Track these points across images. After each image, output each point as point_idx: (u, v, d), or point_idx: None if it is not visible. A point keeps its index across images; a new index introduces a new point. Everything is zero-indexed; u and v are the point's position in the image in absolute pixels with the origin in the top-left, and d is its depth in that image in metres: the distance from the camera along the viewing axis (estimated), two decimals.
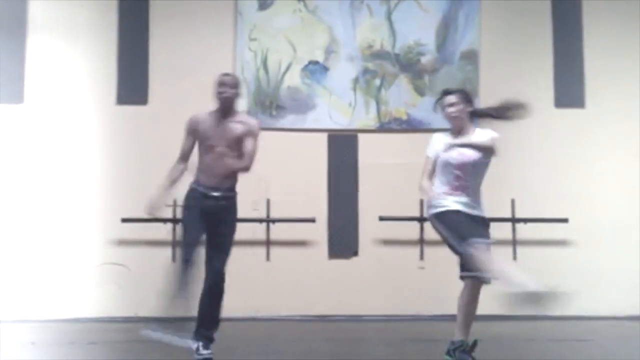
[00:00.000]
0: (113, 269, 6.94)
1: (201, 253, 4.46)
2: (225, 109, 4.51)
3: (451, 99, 4.44)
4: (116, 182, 7.03)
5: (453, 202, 4.25)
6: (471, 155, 4.29)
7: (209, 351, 4.42)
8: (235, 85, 4.55)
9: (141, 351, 4.98)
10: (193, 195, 4.50)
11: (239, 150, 4.46)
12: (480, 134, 4.40)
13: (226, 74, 4.65)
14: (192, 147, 4.60)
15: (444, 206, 4.26)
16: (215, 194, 4.44)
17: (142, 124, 7.15)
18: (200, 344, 4.40)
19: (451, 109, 4.41)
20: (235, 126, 4.49)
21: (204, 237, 4.46)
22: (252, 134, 4.49)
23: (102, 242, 6.98)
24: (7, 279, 6.86)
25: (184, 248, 4.44)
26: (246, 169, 4.52)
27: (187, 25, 7.32)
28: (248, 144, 4.47)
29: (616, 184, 7.26)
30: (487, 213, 6.96)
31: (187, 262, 4.37)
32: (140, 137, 7.12)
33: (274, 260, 7.09)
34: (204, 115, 4.57)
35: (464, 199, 4.27)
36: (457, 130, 4.42)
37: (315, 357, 4.91)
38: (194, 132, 4.56)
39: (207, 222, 4.43)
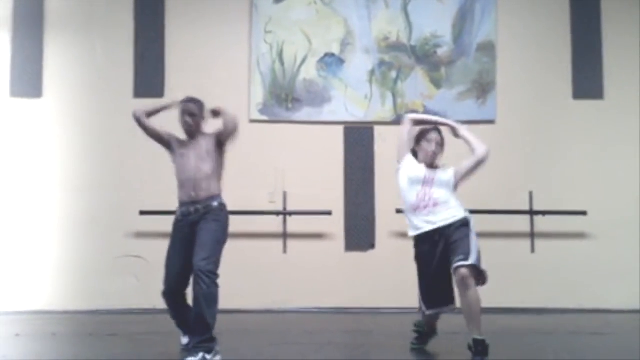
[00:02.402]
0: (131, 262, 6.99)
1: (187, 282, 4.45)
2: (191, 136, 4.59)
3: (437, 138, 4.62)
4: (134, 175, 7.08)
5: (424, 223, 4.46)
6: (436, 176, 4.52)
7: (212, 356, 4.20)
8: (196, 112, 4.58)
9: (160, 343, 5.03)
10: (176, 220, 4.55)
11: (210, 161, 4.48)
12: (446, 170, 4.59)
13: (188, 100, 4.64)
14: (159, 134, 4.68)
15: (417, 229, 4.50)
16: (196, 207, 4.42)
17: (159, 117, 7.12)
18: (205, 355, 4.15)
19: (435, 151, 4.59)
20: (206, 142, 4.53)
21: (189, 270, 4.32)
22: (220, 127, 4.50)
23: (120, 235, 7.03)
24: (27, 272, 6.95)
25: (164, 291, 4.50)
26: (234, 120, 4.50)
27: (203, 18, 7.34)
28: (226, 117, 4.48)
29: (635, 176, 7.19)
30: (505, 205, 7.04)
31: (167, 295, 4.49)
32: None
33: (291, 253, 7.10)
34: (177, 138, 4.66)
35: (433, 217, 4.45)
36: (428, 165, 4.59)
37: (332, 349, 4.93)
38: (168, 139, 4.65)
39: (188, 241, 4.37)
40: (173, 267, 4.46)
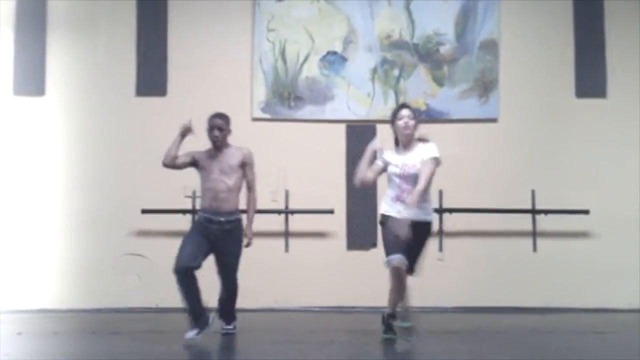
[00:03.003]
0: (133, 260, 7.00)
1: (197, 265, 4.89)
2: (218, 148, 5.08)
3: (407, 112, 4.84)
4: (136, 174, 7.08)
5: (395, 211, 4.72)
6: (411, 168, 4.72)
7: (231, 327, 5.15)
8: (224, 126, 5.07)
9: (162, 341, 5.04)
10: (199, 220, 5.10)
11: (233, 176, 5.00)
12: (422, 148, 4.78)
13: (216, 116, 5.10)
14: (188, 163, 5.16)
15: (387, 212, 4.80)
16: (219, 218, 4.95)
17: (162, 115, 7.18)
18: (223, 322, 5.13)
19: (407, 124, 4.79)
20: (230, 156, 5.05)
21: (204, 256, 4.93)
22: (248, 164, 5.08)
23: (122, 234, 7.04)
24: (29, 270, 6.95)
25: (176, 269, 4.84)
26: (255, 198, 5.18)
27: (205, 16, 7.33)
28: (249, 175, 5.10)
29: (638, 175, 7.17)
30: (507, 204, 7.03)
31: (180, 282, 4.82)
32: (159, 128, 7.11)
33: (293, 252, 7.10)
34: (202, 152, 5.15)
35: (401, 207, 4.69)
36: (402, 144, 4.84)
37: (334, 347, 4.92)
38: (196, 160, 5.12)
39: (210, 244, 4.94)
40: (189, 246, 4.88)
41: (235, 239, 5.03)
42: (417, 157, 4.76)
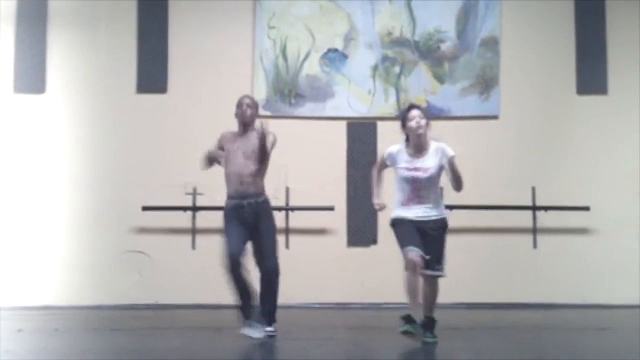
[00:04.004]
0: (134, 257, 7.01)
1: (246, 258, 4.78)
2: (245, 127, 4.93)
3: (417, 112, 4.67)
4: (136, 170, 7.08)
5: (406, 213, 4.66)
6: (426, 171, 4.62)
7: (272, 328, 4.84)
8: (254, 105, 5.00)
9: (162, 338, 5.04)
10: (228, 208, 4.88)
11: (256, 159, 4.81)
12: (435, 147, 4.66)
13: (245, 96, 5.04)
14: (222, 154, 4.95)
15: (398, 216, 4.70)
16: (247, 201, 4.80)
17: (162, 113, 7.19)
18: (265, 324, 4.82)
19: (419, 123, 4.62)
20: (252, 139, 4.84)
21: (247, 243, 4.80)
22: (265, 135, 4.80)
23: (123, 231, 7.04)
24: (30, 267, 6.96)
25: (227, 259, 4.72)
26: (273, 141, 4.91)
27: (206, 13, 7.33)
28: (270, 140, 4.86)
29: (638, 172, 7.16)
30: (508, 200, 7.03)
31: (232, 271, 4.70)
32: (160, 126, 7.16)
33: (293, 249, 7.10)
34: (226, 134, 4.98)
35: (416, 209, 4.65)
36: (416, 145, 4.66)
37: (334, 344, 4.93)
38: (223, 147, 4.94)
39: (248, 229, 4.79)
40: (233, 236, 4.76)
41: (269, 217, 4.90)
42: (432, 160, 4.64)
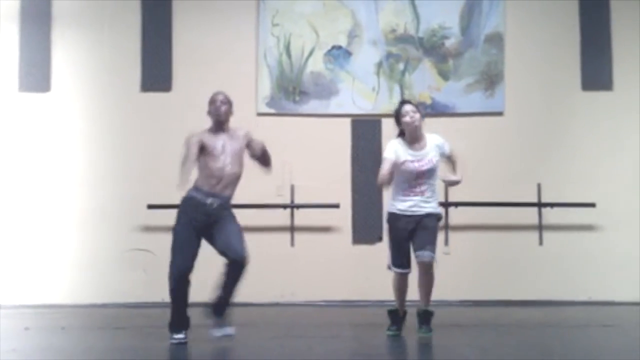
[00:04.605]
0: (140, 255, 7.02)
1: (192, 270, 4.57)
2: (221, 125, 4.70)
3: (410, 107, 4.84)
4: (141, 169, 7.09)
5: (404, 206, 4.81)
6: (426, 164, 4.77)
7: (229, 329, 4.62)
8: (229, 101, 4.75)
9: (168, 336, 5.04)
10: (187, 205, 4.65)
11: (238, 163, 4.67)
12: (431, 140, 4.85)
13: (218, 92, 4.78)
14: (198, 151, 4.63)
15: (393, 211, 4.85)
16: (213, 201, 4.57)
17: (167, 111, 7.19)
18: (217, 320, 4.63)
19: (413, 117, 4.78)
20: (235, 140, 4.68)
21: (195, 254, 4.59)
22: (249, 139, 4.71)
23: (128, 229, 7.05)
24: (35, 266, 6.98)
25: (176, 277, 4.53)
26: (268, 158, 4.80)
27: (210, 11, 7.33)
28: (256, 142, 4.70)
29: None
30: (513, 197, 7.02)
31: (179, 290, 4.55)
32: (164, 124, 7.16)
33: (298, 246, 7.11)
34: (204, 132, 4.70)
35: (413, 200, 4.80)
36: (412, 138, 4.82)
37: (340, 342, 4.93)
38: (202, 146, 4.62)
39: (199, 236, 4.58)
40: (185, 248, 4.56)
41: (231, 215, 4.67)
42: (432, 153, 4.81)
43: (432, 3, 7.32)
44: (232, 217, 4.70)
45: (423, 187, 4.79)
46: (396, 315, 4.95)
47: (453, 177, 4.85)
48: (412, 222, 4.79)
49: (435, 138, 4.89)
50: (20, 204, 7.05)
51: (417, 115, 4.82)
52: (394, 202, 4.87)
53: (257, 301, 6.70)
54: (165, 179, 6.89)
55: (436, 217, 4.87)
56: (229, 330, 4.61)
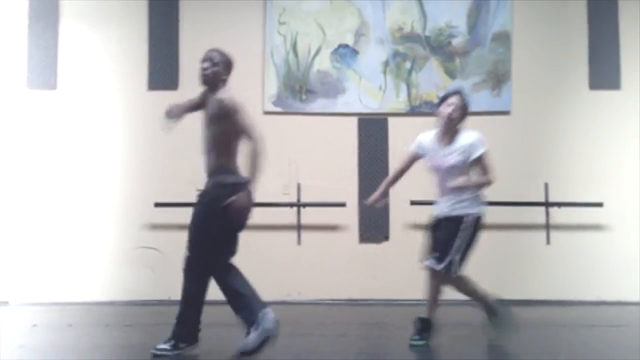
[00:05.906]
0: (147, 253, 7.04)
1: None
2: (206, 86, 4.19)
3: (456, 100, 4.59)
4: (148, 167, 7.11)
5: (435, 210, 4.67)
6: (447, 161, 4.51)
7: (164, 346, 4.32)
8: (217, 59, 4.18)
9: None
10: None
11: (211, 129, 4.07)
12: (466, 137, 4.57)
13: (212, 49, 4.26)
14: (194, 105, 4.34)
15: (432, 214, 4.72)
16: (205, 185, 4.18)
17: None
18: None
19: (447, 110, 4.55)
20: (210, 106, 4.10)
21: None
22: (232, 114, 4.02)
23: (135, 227, 7.07)
24: (43, 263, 7.00)
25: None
26: (257, 150, 4.07)
27: (217, 10, 7.34)
28: (239, 123, 4.04)
29: None
30: (521, 197, 6.99)
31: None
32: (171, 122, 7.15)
33: (305, 245, 7.11)
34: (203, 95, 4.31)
35: (442, 203, 4.62)
36: (443, 131, 4.58)
37: (346, 340, 4.93)
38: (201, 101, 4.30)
39: None
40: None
41: (200, 200, 4.16)
42: (460, 149, 4.51)
43: (439, 2, 7.31)
44: (201, 204, 4.19)
45: (447, 188, 4.54)
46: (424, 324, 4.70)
47: (455, 182, 4.47)
48: (440, 221, 4.61)
49: (471, 136, 4.56)
50: (27, 202, 7.08)
51: (457, 114, 4.51)
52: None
53: (263, 300, 6.69)
54: (172, 177, 6.96)
55: (457, 220, 4.51)
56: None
